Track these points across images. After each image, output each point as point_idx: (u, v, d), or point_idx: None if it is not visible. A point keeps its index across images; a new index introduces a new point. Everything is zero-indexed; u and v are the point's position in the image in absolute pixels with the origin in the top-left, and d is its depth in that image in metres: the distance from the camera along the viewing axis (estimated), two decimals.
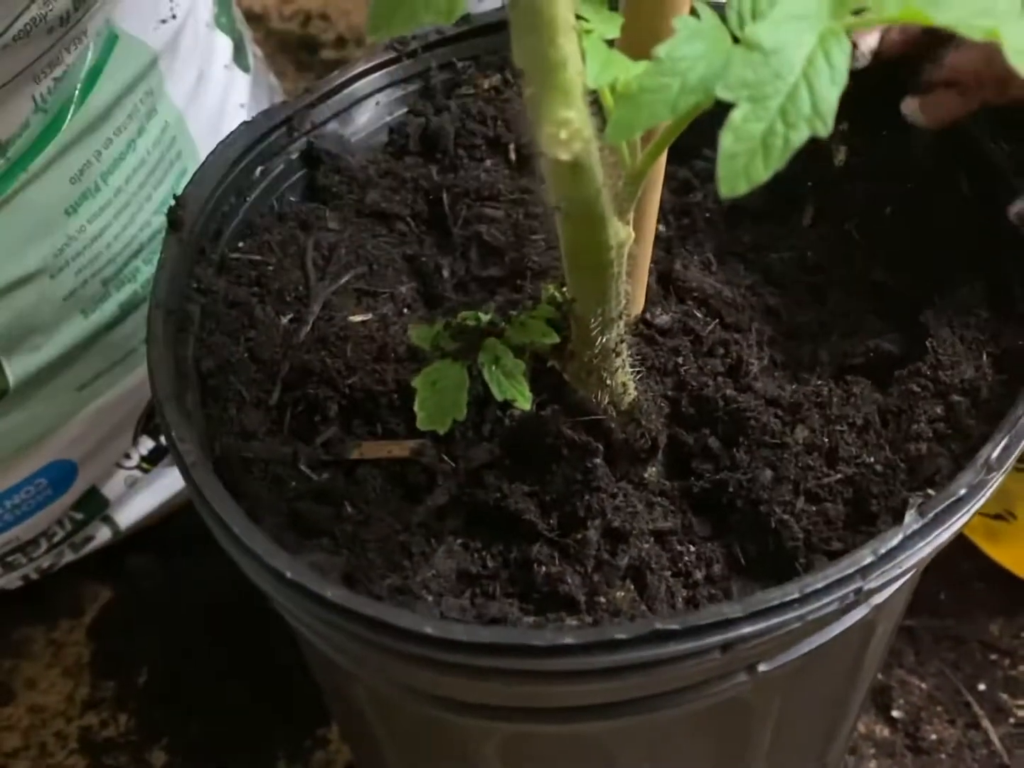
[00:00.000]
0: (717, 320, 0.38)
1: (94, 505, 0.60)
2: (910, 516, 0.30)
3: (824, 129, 0.22)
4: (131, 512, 0.62)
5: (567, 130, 0.24)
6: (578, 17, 0.29)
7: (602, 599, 0.33)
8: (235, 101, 0.59)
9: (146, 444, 0.60)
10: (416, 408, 0.33)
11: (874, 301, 0.39)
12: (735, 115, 0.22)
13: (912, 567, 0.30)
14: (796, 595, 0.28)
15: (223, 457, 0.36)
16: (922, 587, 0.61)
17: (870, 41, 0.44)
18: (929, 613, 0.61)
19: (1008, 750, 0.57)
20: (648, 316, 0.38)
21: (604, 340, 0.32)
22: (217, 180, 0.42)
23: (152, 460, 0.60)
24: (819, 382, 0.37)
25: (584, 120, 0.25)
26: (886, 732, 0.57)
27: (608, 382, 0.33)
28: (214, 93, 0.56)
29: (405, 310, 0.44)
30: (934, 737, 0.57)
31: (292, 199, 0.45)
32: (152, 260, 0.53)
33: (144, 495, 0.62)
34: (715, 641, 0.28)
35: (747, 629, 0.28)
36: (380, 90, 0.48)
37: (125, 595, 0.66)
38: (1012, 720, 0.58)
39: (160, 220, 0.53)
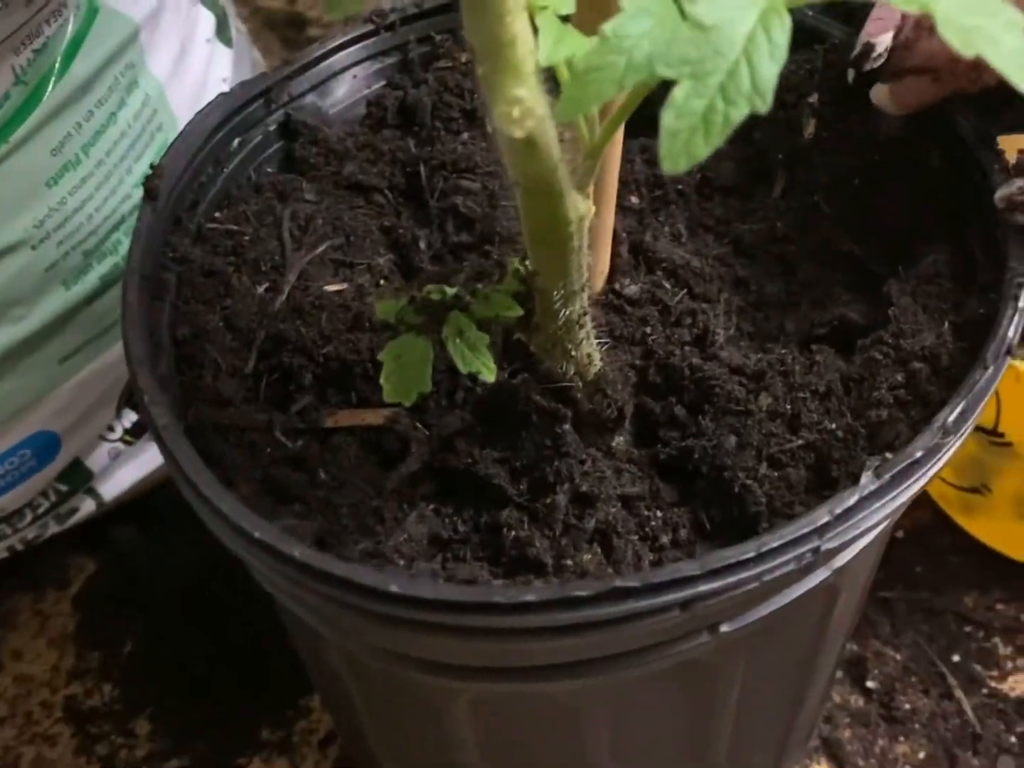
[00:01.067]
0: (686, 290, 0.39)
1: (78, 477, 0.60)
2: (866, 477, 0.30)
3: (763, 105, 0.23)
4: (115, 484, 0.62)
5: (519, 108, 0.25)
6: None
7: (569, 562, 0.34)
8: (217, 75, 0.59)
9: (129, 417, 0.60)
10: (382, 381, 0.34)
11: (842, 271, 0.40)
12: (676, 92, 0.23)
13: (870, 528, 0.30)
14: (753, 553, 0.29)
15: (197, 424, 0.37)
16: (898, 560, 0.62)
17: (885, 39, 0.44)
18: (904, 585, 0.62)
19: (980, 720, 0.58)
20: (617, 286, 0.39)
21: (567, 312, 0.32)
22: (194, 150, 0.42)
23: (135, 433, 0.60)
24: (784, 351, 0.37)
25: (537, 97, 0.25)
26: (861, 702, 0.58)
27: (573, 353, 0.34)
28: (196, 67, 0.57)
29: (382, 281, 0.45)
30: (908, 707, 0.58)
31: (269, 170, 0.46)
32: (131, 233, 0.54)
33: (128, 468, 0.62)
34: (674, 598, 0.29)
35: (705, 587, 0.29)
36: (358, 63, 0.49)
37: (110, 567, 0.67)
38: (985, 691, 0.59)
39: (140, 192, 0.54)
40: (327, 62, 0.47)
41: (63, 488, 0.59)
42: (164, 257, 0.39)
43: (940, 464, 0.31)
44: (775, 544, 0.29)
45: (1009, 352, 0.33)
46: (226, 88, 0.59)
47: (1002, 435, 0.57)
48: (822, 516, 0.29)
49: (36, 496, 0.59)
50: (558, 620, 0.28)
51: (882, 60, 0.45)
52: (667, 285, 0.39)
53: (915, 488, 0.31)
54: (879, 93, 0.43)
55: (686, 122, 0.22)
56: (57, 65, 0.47)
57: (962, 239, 0.38)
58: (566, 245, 0.30)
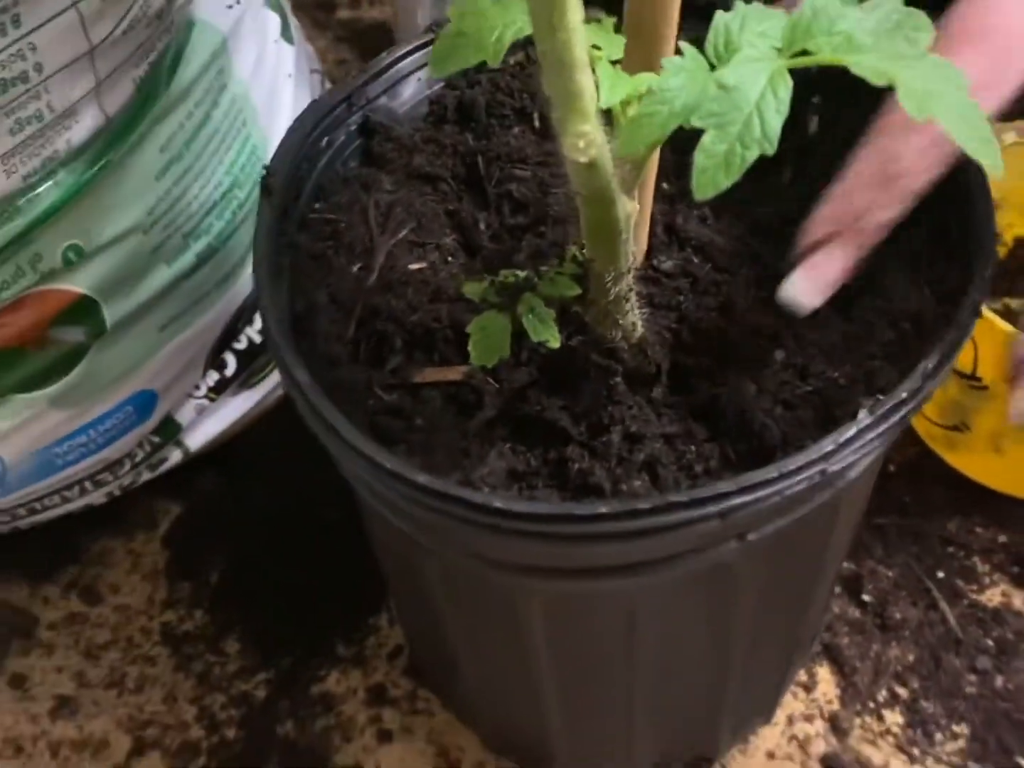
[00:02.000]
0: (711, 264, 0.47)
1: (169, 430, 0.66)
2: (863, 414, 0.38)
3: (771, 148, 0.30)
4: (199, 436, 0.69)
5: (584, 140, 0.32)
6: (593, 46, 0.37)
7: (623, 487, 0.41)
8: (284, 72, 0.66)
9: (212, 376, 0.67)
10: (470, 349, 0.41)
11: None
12: (705, 138, 0.30)
13: (866, 454, 0.38)
14: (776, 474, 0.36)
15: (316, 378, 0.45)
16: (891, 491, 0.70)
17: None
18: (896, 513, 0.69)
19: (962, 627, 0.65)
20: (655, 262, 0.46)
21: (616, 290, 0.39)
22: (294, 151, 0.50)
23: (217, 390, 0.67)
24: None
25: (597, 131, 0.33)
26: (857, 613, 0.65)
27: (620, 322, 0.41)
28: (269, 66, 0.63)
29: (449, 258, 0.52)
30: (898, 617, 0.65)
31: (352, 164, 0.52)
32: (223, 216, 0.60)
33: (210, 421, 0.69)
34: (715, 510, 0.36)
35: (738, 500, 0.36)
36: (421, 67, 0.54)
37: (194, 509, 0.73)
38: (966, 602, 0.65)
39: (229, 180, 0.61)
40: (396, 68, 0.54)
41: (156, 440, 0.66)
42: (279, 244, 0.47)
43: (921, 402, 0.39)
44: (792, 467, 0.37)
45: (977, 314, 0.41)
46: (291, 83, 0.67)
47: (979, 379, 0.63)
48: (828, 445, 0.37)
49: (134, 447, 0.65)
50: (624, 528, 0.36)
51: None
52: (696, 260, 0.46)
53: (902, 422, 0.39)
54: (791, 289, 0.45)
55: (712, 161, 0.30)
56: (165, 74, 0.54)
57: (942, 219, 0.46)
58: (617, 238, 0.38)
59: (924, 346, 0.41)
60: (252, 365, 0.69)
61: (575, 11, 0.30)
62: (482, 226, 0.52)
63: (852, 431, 0.37)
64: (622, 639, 0.45)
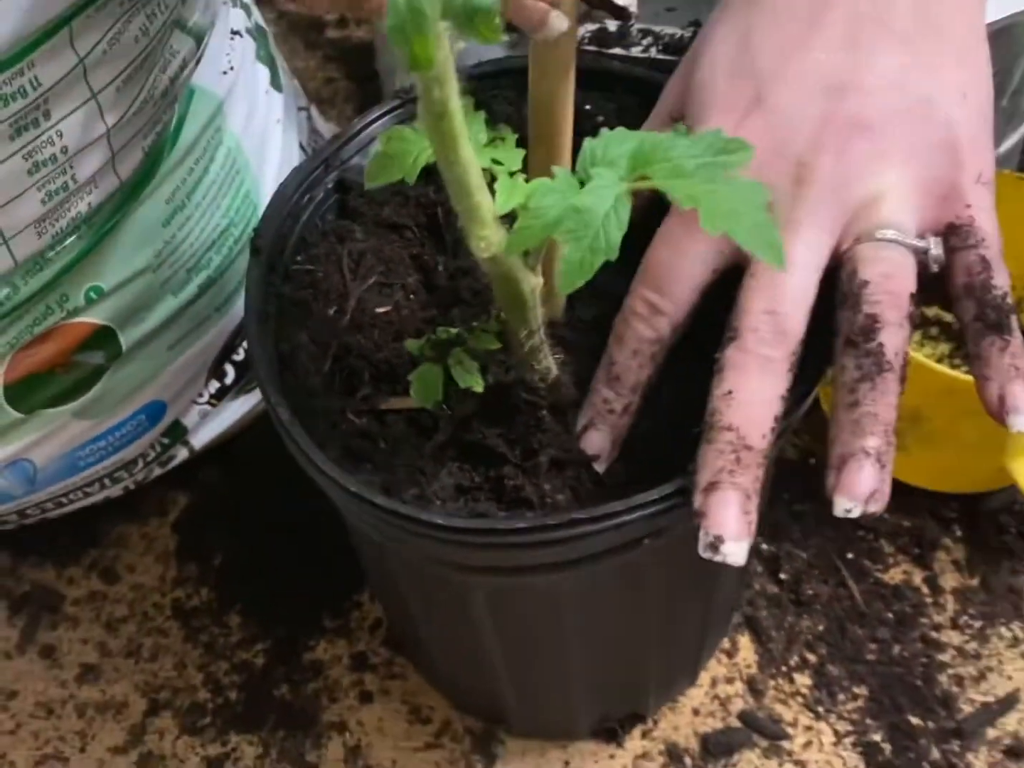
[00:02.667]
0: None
1: (177, 432, 0.75)
2: None
3: (613, 256, 0.38)
4: (203, 436, 0.77)
5: (485, 242, 0.41)
6: (495, 161, 0.46)
7: (549, 500, 0.50)
8: (273, 119, 0.74)
9: (214, 385, 0.75)
10: (412, 393, 0.50)
11: None
12: (564, 248, 0.39)
13: None
14: (656, 496, 0.46)
15: (297, 410, 0.54)
16: (810, 480, 0.79)
17: None
18: (814, 501, 0.77)
19: (866, 602, 0.73)
20: (577, 313, 0.56)
21: (530, 344, 0.48)
22: (279, 212, 0.58)
23: (219, 397, 0.76)
24: (691, 352, 0.54)
25: (496, 233, 0.41)
26: (775, 589, 0.74)
27: (537, 368, 0.49)
28: (260, 117, 0.72)
29: (412, 295, 0.61)
30: (811, 592, 0.74)
31: (330, 218, 0.60)
32: (220, 251, 0.68)
33: (212, 423, 0.77)
34: (611, 524, 0.46)
35: (628, 516, 0.46)
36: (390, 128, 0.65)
37: (200, 499, 0.81)
38: (871, 580, 0.74)
39: (226, 221, 0.69)
40: (367, 130, 0.62)
41: (165, 441, 0.75)
42: (267, 294, 0.56)
43: (782, 436, 0.48)
44: (670, 490, 0.46)
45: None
46: (280, 128, 0.75)
47: None
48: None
49: (146, 448, 0.73)
50: (538, 538, 0.46)
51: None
52: (610, 311, 0.55)
53: None
54: None
55: (571, 266, 0.38)
56: (169, 140, 0.62)
57: None
58: (525, 307, 0.46)
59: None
60: (248, 374, 0.78)
61: (467, 149, 0.39)
62: (440, 268, 0.61)
63: None
64: (552, 622, 0.55)
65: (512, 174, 0.46)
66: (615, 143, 0.43)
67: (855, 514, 0.43)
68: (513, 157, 0.47)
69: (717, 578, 0.60)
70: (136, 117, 0.58)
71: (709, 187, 0.39)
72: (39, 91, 0.51)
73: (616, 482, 0.51)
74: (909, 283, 0.48)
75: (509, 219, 0.44)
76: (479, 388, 0.50)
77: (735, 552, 0.44)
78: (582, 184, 0.42)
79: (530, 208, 0.41)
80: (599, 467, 0.50)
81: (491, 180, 0.45)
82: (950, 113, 0.49)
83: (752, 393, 0.46)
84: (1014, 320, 0.49)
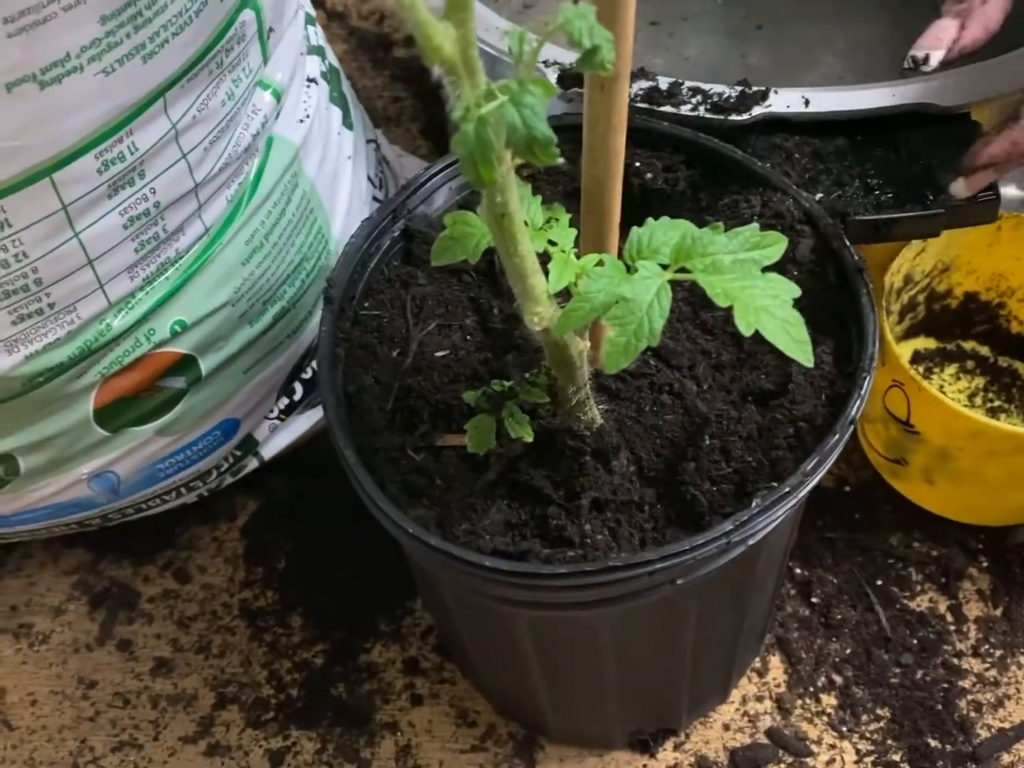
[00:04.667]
0: (665, 363, 0.60)
1: (249, 445, 0.80)
2: (756, 501, 0.52)
3: (655, 342, 0.43)
4: (272, 447, 0.82)
5: (538, 317, 0.46)
6: (550, 242, 0.50)
7: (589, 540, 0.54)
8: (344, 156, 0.79)
9: (283, 401, 0.80)
10: (467, 441, 0.55)
11: (768, 348, 0.60)
12: (611, 332, 0.44)
13: (759, 529, 0.52)
14: (688, 546, 0.50)
15: (361, 447, 0.59)
16: (843, 508, 0.83)
17: (938, 55, 0.63)
18: (845, 528, 0.81)
19: (892, 627, 0.77)
20: None
21: (576, 398, 0.53)
22: (350, 260, 0.63)
23: (287, 412, 0.81)
24: (725, 406, 0.58)
25: (548, 308, 0.46)
26: (806, 612, 0.78)
27: (582, 418, 0.54)
28: (332, 158, 0.76)
29: (469, 336, 0.65)
30: (840, 617, 0.77)
31: (395, 264, 0.65)
32: (294, 284, 0.73)
33: (281, 435, 0.82)
34: (643, 571, 0.51)
35: (660, 565, 0.51)
36: (452, 178, 0.67)
37: (268, 505, 0.87)
38: (898, 606, 0.78)
39: (299, 256, 0.74)
40: (431, 182, 0.67)
41: (238, 453, 0.80)
42: (337, 339, 0.61)
43: (803, 493, 0.52)
44: (701, 541, 0.50)
45: (853, 423, 0.54)
46: (351, 165, 0.80)
47: (912, 426, 0.75)
48: (727, 525, 0.51)
49: (220, 461, 0.79)
50: (576, 582, 0.51)
51: (930, 69, 0.64)
52: (651, 362, 0.60)
53: (783, 509, 0.52)
54: (959, 186, 0.64)
55: (616, 348, 0.43)
56: (249, 188, 0.67)
57: (845, 335, 0.59)
58: (573, 367, 0.51)
59: (815, 442, 0.55)
60: (315, 390, 0.83)
61: (524, 243, 0.44)
62: (496, 311, 0.65)
63: (747, 516, 0.51)
64: (589, 648, 0.60)
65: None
66: (659, 233, 0.47)
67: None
68: (566, 236, 0.51)
69: (747, 606, 0.64)
70: (222, 172, 0.63)
71: (742, 284, 0.44)
72: (136, 155, 0.56)
73: (654, 525, 0.56)
74: None
75: (562, 291, 0.49)
76: (529, 438, 0.55)
77: None
78: (628, 269, 0.46)
79: (580, 292, 0.46)
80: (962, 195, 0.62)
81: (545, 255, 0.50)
82: None
83: None
84: None
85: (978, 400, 0.87)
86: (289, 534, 0.86)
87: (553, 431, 0.57)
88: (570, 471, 0.56)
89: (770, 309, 0.43)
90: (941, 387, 0.87)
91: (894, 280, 0.78)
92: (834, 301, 0.59)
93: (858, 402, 0.54)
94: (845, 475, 0.85)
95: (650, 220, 0.47)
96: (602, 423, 0.56)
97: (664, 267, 0.46)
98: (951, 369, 0.88)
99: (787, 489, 0.52)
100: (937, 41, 0.62)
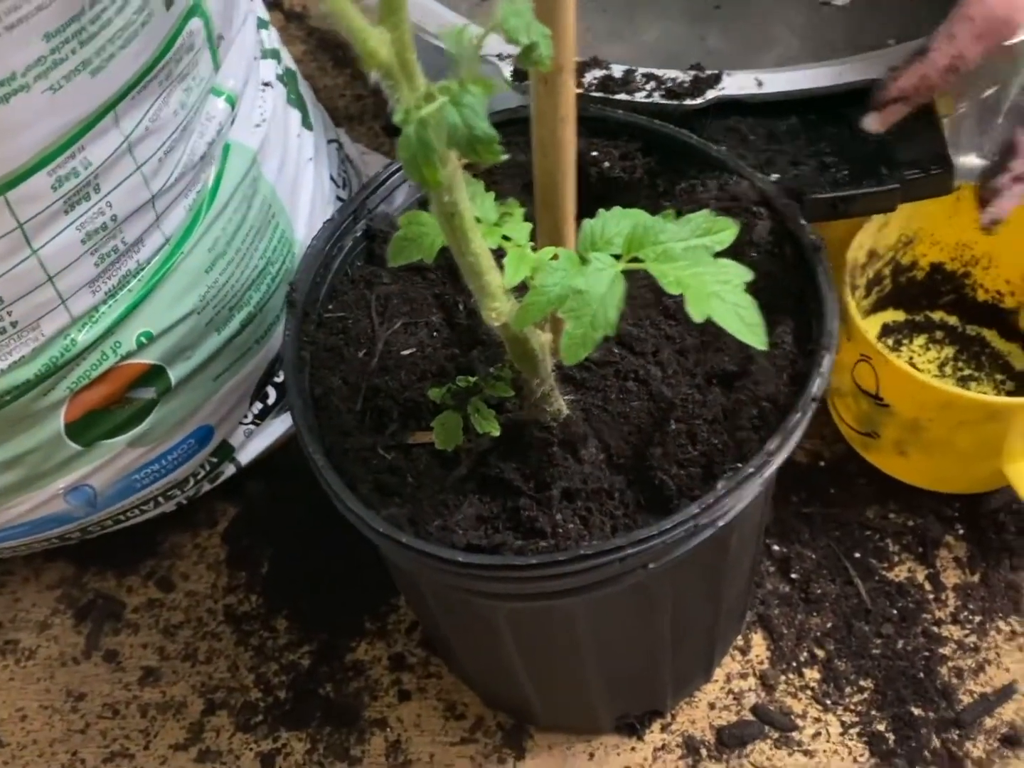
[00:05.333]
0: (629, 351, 0.61)
1: (225, 452, 0.80)
2: (721, 483, 0.52)
3: (612, 332, 0.43)
4: (248, 453, 0.83)
5: (496, 312, 0.46)
6: (504, 237, 0.50)
7: (561, 529, 0.55)
8: (305, 158, 0.79)
9: (257, 406, 0.80)
10: (434, 437, 0.56)
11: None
12: (567, 325, 0.44)
13: (726, 510, 0.53)
14: (656, 531, 0.51)
15: (331, 448, 0.59)
16: (818, 483, 0.83)
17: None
18: (821, 503, 0.82)
19: (871, 599, 0.77)
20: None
21: (541, 390, 0.53)
22: (313, 263, 0.63)
23: (262, 416, 0.81)
24: (690, 390, 0.58)
25: (505, 303, 0.46)
26: (786, 589, 0.78)
27: (548, 409, 0.54)
28: (292, 161, 0.76)
29: (435, 333, 0.66)
30: (820, 591, 0.78)
31: (359, 264, 0.65)
32: (259, 288, 0.73)
33: (257, 440, 0.82)
34: (614, 557, 0.51)
35: (631, 550, 0.51)
36: None
37: (247, 510, 0.87)
38: (876, 578, 0.78)
39: (263, 261, 0.74)
40: (391, 179, 0.67)
41: (214, 460, 0.80)
42: (302, 342, 0.61)
43: (767, 473, 0.53)
44: (668, 525, 0.51)
45: (815, 400, 0.55)
46: (312, 166, 0.80)
47: (882, 399, 0.76)
48: (694, 509, 0.51)
49: (197, 468, 0.79)
50: (548, 572, 0.51)
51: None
52: (615, 350, 0.60)
53: (749, 489, 0.53)
54: (873, 121, 0.66)
55: (573, 340, 0.43)
56: (208, 195, 0.67)
57: (805, 314, 0.59)
58: (535, 360, 0.52)
59: (779, 421, 0.55)
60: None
61: (476, 240, 0.44)
62: (460, 307, 0.66)
63: (712, 498, 0.51)
64: (568, 636, 0.60)
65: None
66: (612, 224, 0.47)
67: None
68: (521, 231, 0.51)
69: (723, 587, 0.64)
70: (178, 181, 0.63)
71: (693, 271, 0.44)
72: (89, 170, 0.56)
73: (625, 512, 0.56)
74: None
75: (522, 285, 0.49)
76: (496, 432, 0.55)
77: None
78: (583, 261, 0.46)
79: (536, 287, 0.46)
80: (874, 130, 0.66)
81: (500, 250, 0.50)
82: None
83: None
84: None
85: (948, 369, 0.87)
86: (270, 538, 0.86)
87: (521, 424, 0.57)
88: (539, 462, 0.57)
89: (721, 294, 0.43)
90: (911, 358, 0.88)
91: (857, 255, 0.79)
92: (793, 281, 0.60)
93: (818, 380, 0.54)
94: (819, 450, 0.86)
95: (602, 211, 0.48)
96: (569, 413, 0.57)
97: (617, 257, 0.46)
98: (920, 340, 0.89)
99: (751, 470, 0.52)
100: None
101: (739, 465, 0.53)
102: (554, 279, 0.46)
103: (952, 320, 0.90)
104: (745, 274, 0.44)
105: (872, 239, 0.81)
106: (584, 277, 0.45)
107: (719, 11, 0.88)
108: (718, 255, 0.46)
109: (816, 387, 0.54)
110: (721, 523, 0.53)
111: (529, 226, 0.52)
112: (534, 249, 0.51)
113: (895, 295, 0.89)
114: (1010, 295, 0.86)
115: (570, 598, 0.55)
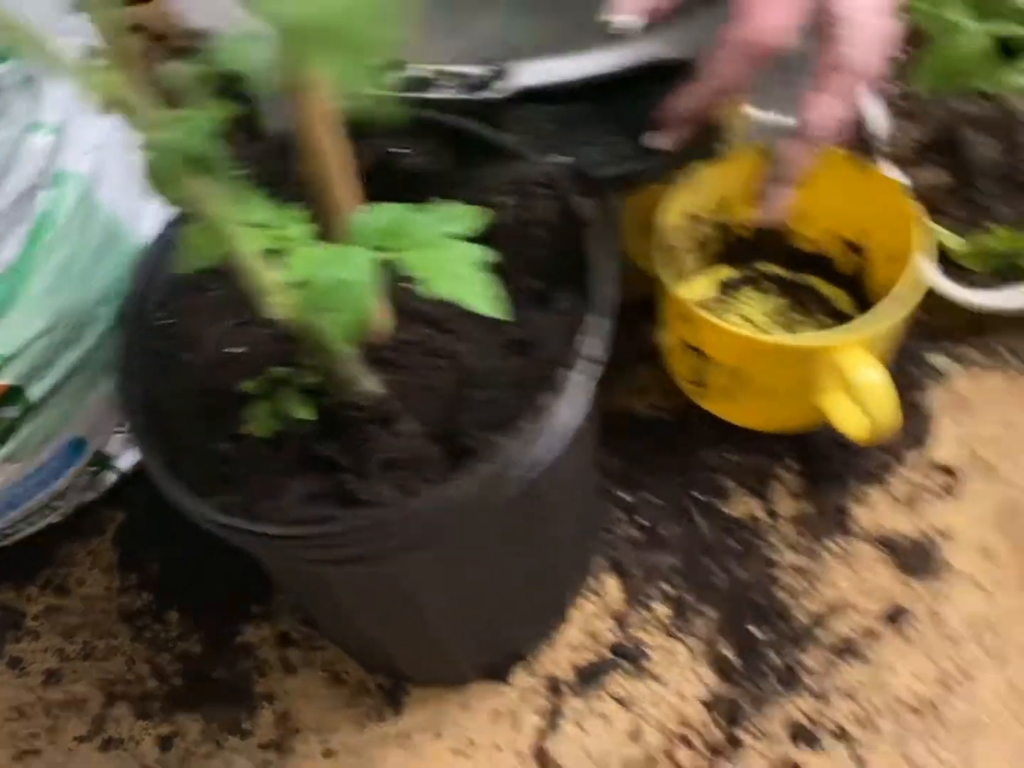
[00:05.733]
0: (436, 329, 0.66)
1: (102, 461, 0.84)
2: (504, 441, 0.58)
3: (373, 318, 0.49)
4: (127, 460, 0.87)
5: (279, 307, 0.52)
6: (283, 238, 0.56)
7: (381, 498, 0.62)
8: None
9: None
10: (251, 427, 0.61)
11: (532, 303, 0.66)
12: (335, 314, 0.50)
13: (528, 466, 0.58)
14: (453, 492, 0.57)
15: (168, 451, 0.64)
16: (662, 434, 0.90)
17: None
18: (665, 451, 0.87)
19: (714, 535, 0.84)
20: (399, 335, 0.66)
21: (346, 374, 0.59)
22: (141, 275, 0.68)
23: None
24: (493, 360, 0.63)
25: (285, 298, 0.52)
26: (635, 533, 0.84)
27: (360, 391, 0.59)
28: (136, 178, 0.81)
29: (267, 330, 0.70)
30: (665, 532, 0.84)
31: (191, 272, 0.72)
32: (111, 302, 0.79)
33: (135, 448, 0.88)
34: (416, 521, 0.57)
35: (433, 510, 0.57)
36: None
37: (133, 515, 0.91)
38: (718, 516, 0.85)
39: (110, 278, 0.79)
40: None
41: (93, 469, 0.84)
42: (132, 352, 0.66)
43: (555, 427, 0.59)
44: (467, 485, 0.57)
45: (592, 360, 0.61)
46: None
47: (704, 352, 0.83)
48: (494, 468, 0.57)
49: (75, 479, 0.83)
50: (349, 539, 0.57)
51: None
52: (426, 330, 0.66)
53: (545, 444, 0.58)
54: (659, 140, 0.70)
55: (344, 329, 0.49)
56: (45, 223, 0.71)
57: (583, 285, 0.65)
58: (328, 347, 0.57)
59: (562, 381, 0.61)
60: None
61: (243, 244, 0.49)
62: None
63: (497, 457, 0.57)
64: (406, 595, 0.66)
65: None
66: (375, 218, 0.53)
67: None
68: (299, 231, 0.56)
69: (555, 535, 0.70)
70: (10, 212, 0.68)
71: (437, 254, 0.50)
72: None
73: (442, 477, 0.62)
74: None
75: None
76: (312, 417, 0.61)
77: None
78: (349, 255, 0.52)
79: (308, 280, 0.51)
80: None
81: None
82: None
83: None
84: None
85: (782, 319, 0.94)
86: (158, 540, 0.91)
87: (338, 406, 0.63)
88: (357, 440, 0.62)
89: (462, 275, 0.49)
90: (746, 310, 0.94)
91: (667, 219, 0.84)
92: (575, 254, 0.65)
93: (586, 340, 0.60)
94: (662, 404, 0.92)
95: (368, 207, 0.53)
96: (383, 392, 0.62)
97: (380, 249, 0.52)
98: (754, 292, 0.95)
99: (531, 425, 0.58)
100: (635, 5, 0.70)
101: (525, 424, 0.59)
102: (326, 272, 0.51)
103: (781, 272, 0.96)
104: (485, 254, 0.50)
105: (689, 203, 0.87)
106: (347, 268, 0.50)
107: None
108: (495, 237, 0.52)
109: (589, 347, 0.60)
110: (531, 476, 0.58)
111: (306, 226, 0.57)
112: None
113: (728, 253, 0.95)
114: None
115: (387, 560, 0.60)
